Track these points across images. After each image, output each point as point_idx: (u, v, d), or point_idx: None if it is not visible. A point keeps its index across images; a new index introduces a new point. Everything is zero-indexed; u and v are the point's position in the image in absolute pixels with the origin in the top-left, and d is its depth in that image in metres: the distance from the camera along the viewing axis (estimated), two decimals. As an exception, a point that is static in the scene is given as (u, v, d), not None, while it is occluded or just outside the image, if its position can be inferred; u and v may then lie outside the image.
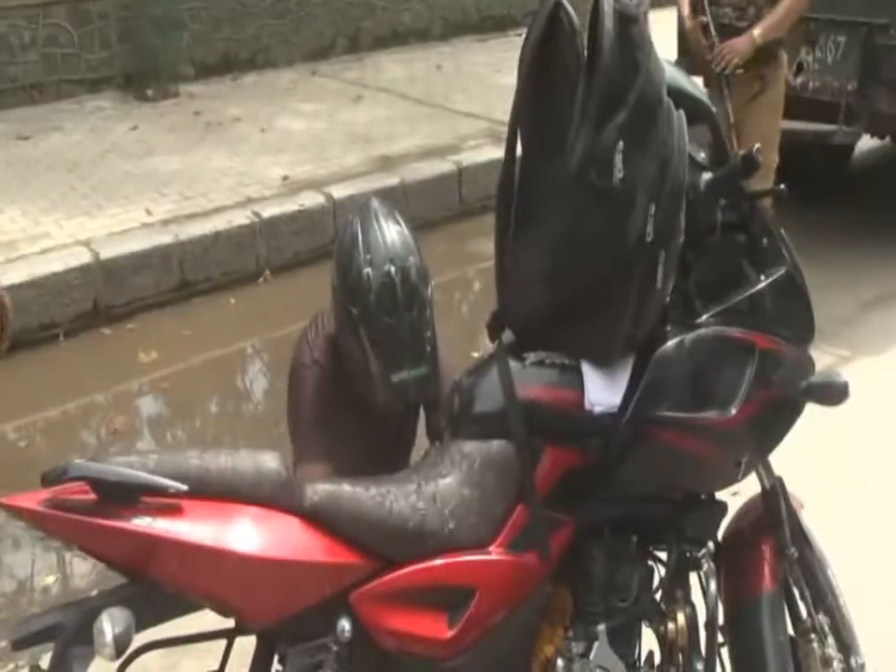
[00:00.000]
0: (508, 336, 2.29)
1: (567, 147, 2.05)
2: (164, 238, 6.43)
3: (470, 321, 6.18)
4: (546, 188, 2.10)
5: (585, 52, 2.06)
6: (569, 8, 2.05)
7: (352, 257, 2.68)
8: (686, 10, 5.43)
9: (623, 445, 2.19)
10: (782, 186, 2.27)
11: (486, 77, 9.86)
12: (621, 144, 2.03)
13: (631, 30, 2.03)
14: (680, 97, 2.18)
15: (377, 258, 2.66)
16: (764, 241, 2.39)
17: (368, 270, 2.64)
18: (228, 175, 7.42)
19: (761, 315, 2.37)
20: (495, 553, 2.16)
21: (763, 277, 2.38)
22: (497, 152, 7.86)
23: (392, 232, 2.72)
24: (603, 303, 2.15)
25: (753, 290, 2.35)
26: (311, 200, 6.99)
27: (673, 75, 2.20)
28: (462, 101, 9.10)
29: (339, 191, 7.06)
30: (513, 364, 2.20)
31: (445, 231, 7.08)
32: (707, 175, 2.28)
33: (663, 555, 2.50)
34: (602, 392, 2.18)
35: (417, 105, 8.95)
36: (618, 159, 2.03)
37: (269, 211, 6.80)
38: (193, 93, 9.52)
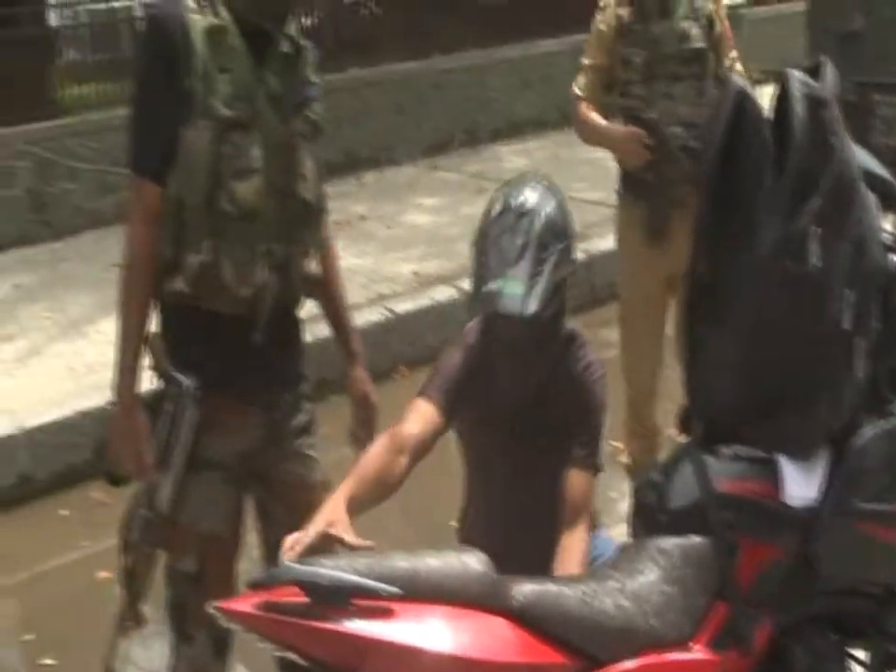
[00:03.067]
0: (699, 429, 2.25)
1: (758, 235, 2.03)
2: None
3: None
4: (736, 275, 2.08)
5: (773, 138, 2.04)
6: (755, 96, 2.04)
7: (500, 191, 2.76)
8: (600, 120, 4.06)
9: (823, 539, 2.14)
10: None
11: (605, 162, 9.78)
12: (815, 230, 2.00)
13: (822, 114, 2.02)
14: (868, 178, 2.15)
15: (516, 191, 2.71)
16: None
17: (505, 190, 2.73)
18: (359, 273, 7.51)
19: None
20: (697, 652, 2.12)
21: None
22: (624, 239, 7.87)
23: (539, 188, 2.73)
24: (799, 394, 2.11)
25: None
26: (442, 294, 7.03)
27: (861, 155, 2.17)
28: (584, 188, 9.10)
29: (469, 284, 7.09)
30: (707, 458, 2.17)
31: (576, 320, 7.04)
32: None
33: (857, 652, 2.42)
34: (799, 485, 2.14)
35: (539, 196, 8.98)
36: (812, 245, 2.00)
37: (401, 307, 6.86)
38: (318, 194, 9.70)
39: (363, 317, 6.74)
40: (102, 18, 12.63)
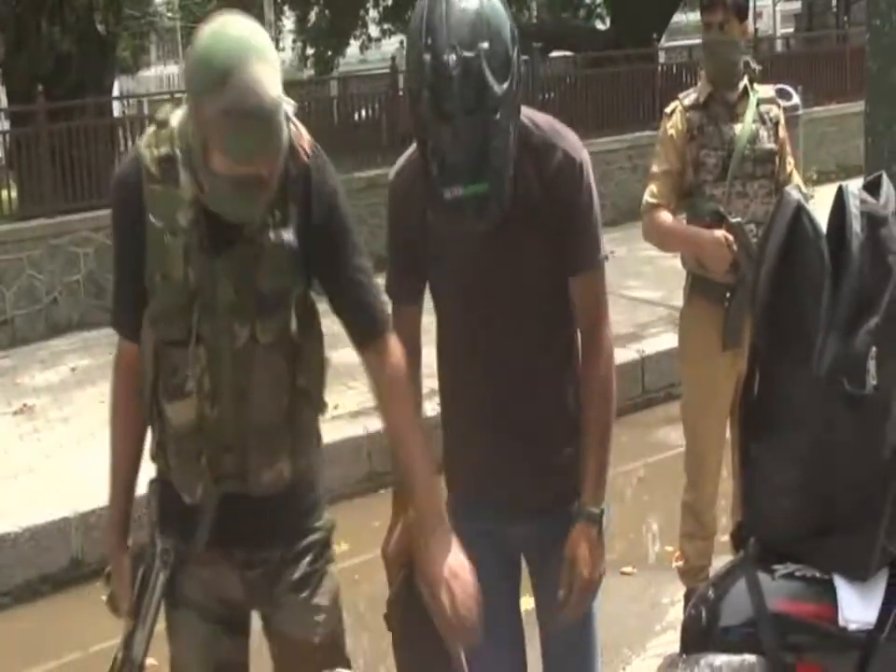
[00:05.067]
0: (753, 546, 2.22)
1: (815, 353, 2.01)
2: (353, 430, 6.53)
3: (654, 512, 6.06)
4: (793, 394, 2.06)
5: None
6: (811, 212, 2.03)
7: (413, 40, 2.23)
8: (681, 225, 4.16)
9: (879, 665, 2.08)
10: None
11: (660, 261, 9.82)
12: (874, 349, 1.99)
13: (880, 231, 2.01)
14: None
15: (438, 42, 2.17)
16: None
17: (427, 56, 2.18)
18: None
19: None
20: None
21: None
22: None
23: (461, 9, 2.19)
24: (857, 515, 2.08)
25: None
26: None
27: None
28: (638, 287, 9.12)
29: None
30: (762, 576, 2.13)
31: (628, 420, 6.97)
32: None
33: None
34: (857, 608, 2.09)
35: (593, 293, 8.98)
36: (871, 365, 1.99)
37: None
38: (372, 286, 9.76)
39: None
40: (165, 108, 12.95)
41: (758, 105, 4.14)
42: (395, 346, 2.41)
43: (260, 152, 2.14)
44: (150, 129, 2.36)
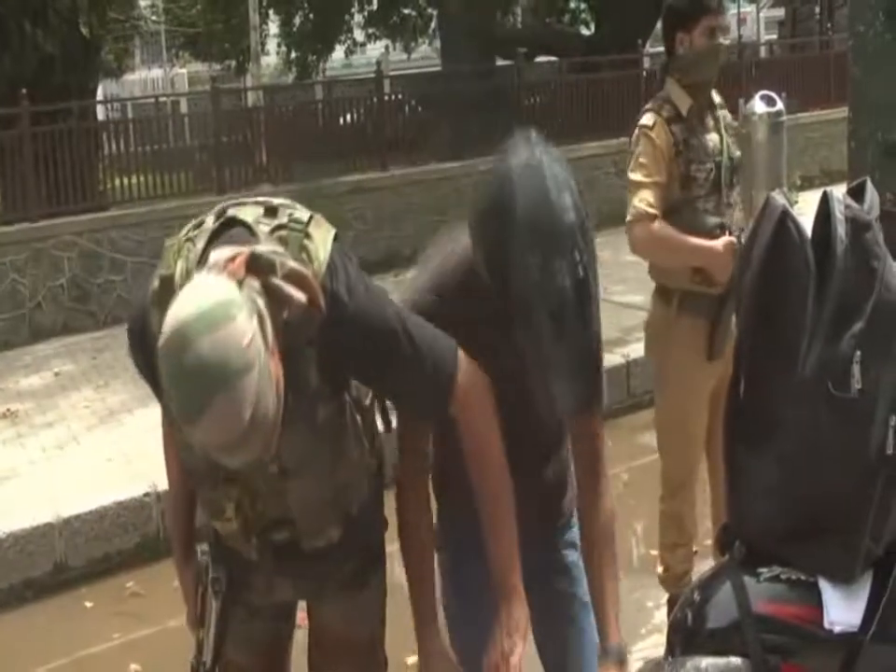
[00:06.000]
0: (739, 549, 2.23)
1: (800, 357, 2.02)
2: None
3: (639, 515, 6.06)
4: (778, 398, 2.07)
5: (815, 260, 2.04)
6: (797, 217, 2.05)
7: (509, 232, 2.14)
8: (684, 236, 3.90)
9: (864, 667, 2.09)
10: None
11: (645, 267, 9.89)
12: (858, 353, 2.00)
13: (864, 236, 2.02)
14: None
15: (543, 247, 2.10)
16: None
17: (536, 272, 2.11)
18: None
19: None
20: None
21: None
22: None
23: (559, 206, 2.13)
24: (842, 518, 2.09)
25: None
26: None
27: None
28: (623, 292, 9.12)
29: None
30: (747, 578, 2.14)
31: (614, 424, 6.98)
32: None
33: None
34: (842, 610, 2.10)
35: (578, 297, 8.99)
36: (856, 369, 2.00)
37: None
38: (357, 291, 9.75)
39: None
40: (147, 112, 12.94)
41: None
42: (465, 407, 2.25)
43: (247, 463, 2.01)
44: (155, 283, 2.15)
